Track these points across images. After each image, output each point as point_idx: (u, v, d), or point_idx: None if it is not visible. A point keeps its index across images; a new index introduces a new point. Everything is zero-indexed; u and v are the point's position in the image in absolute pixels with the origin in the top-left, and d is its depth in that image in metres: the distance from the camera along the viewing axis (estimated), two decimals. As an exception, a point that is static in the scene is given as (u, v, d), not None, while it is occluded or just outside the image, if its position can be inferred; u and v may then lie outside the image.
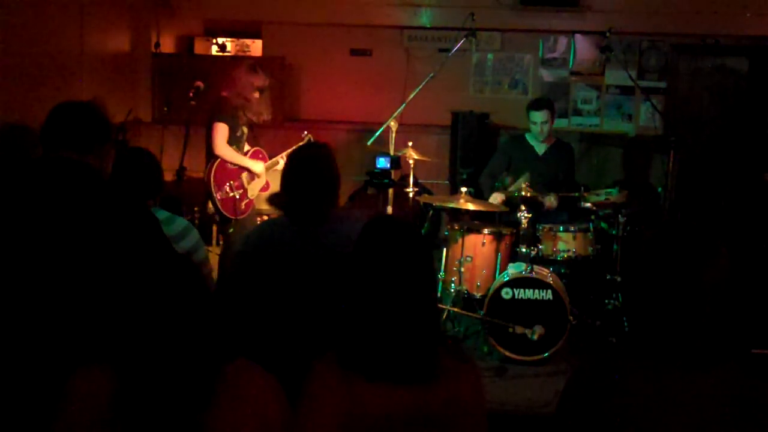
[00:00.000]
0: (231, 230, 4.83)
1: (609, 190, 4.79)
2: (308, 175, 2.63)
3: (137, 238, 2.28)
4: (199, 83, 4.91)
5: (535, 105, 5.18)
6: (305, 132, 5.27)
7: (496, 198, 5.04)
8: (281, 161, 5.05)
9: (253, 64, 4.89)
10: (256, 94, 4.78)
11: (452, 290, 4.56)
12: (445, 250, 4.70)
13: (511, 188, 4.88)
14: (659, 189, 5.55)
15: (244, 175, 4.85)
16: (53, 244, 2.15)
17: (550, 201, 5.00)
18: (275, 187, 5.79)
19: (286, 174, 2.71)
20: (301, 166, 2.68)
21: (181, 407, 1.49)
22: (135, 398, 1.49)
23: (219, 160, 4.70)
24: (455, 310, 4.48)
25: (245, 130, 4.88)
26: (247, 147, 4.97)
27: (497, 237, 4.60)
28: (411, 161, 4.80)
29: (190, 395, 1.50)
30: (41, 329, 2.08)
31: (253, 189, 4.93)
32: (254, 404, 1.57)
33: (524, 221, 4.52)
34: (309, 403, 1.67)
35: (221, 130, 4.66)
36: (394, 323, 1.70)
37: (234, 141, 4.77)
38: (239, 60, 6.51)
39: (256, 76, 4.76)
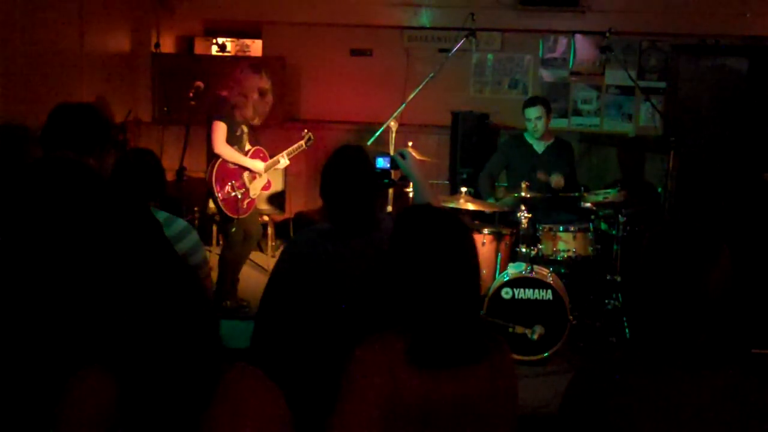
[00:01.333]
0: (233, 230, 4.83)
1: (608, 190, 4.80)
2: (352, 181, 2.49)
3: (137, 239, 2.28)
4: (199, 83, 4.91)
5: (529, 102, 5.28)
6: (305, 130, 5.26)
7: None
8: (282, 160, 5.05)
9: (257, 65, 4.90)
10: (256, 95, 4.80)
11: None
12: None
13: (505, 200, 4.95)
14: (659, 189, 5.54)
15: (246, 174, 4.85)
16: (53, 245, 2.15)
17: (557, 180, 5.02)
18: (277, 186, 5.80)
19: (328, 180, 2.53)
20: (343, 171, 2.52)
21: (179, 410, 1.48)
22: (134, 401, 1.48)
23: (220, 159, 4.70)
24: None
25: (245, 129, 4.88)
26: (248, 146, 4.97)
27: (497, 237, 4.60)
28: (411, 161, 4.79)
29: (189, 398, 1.50)
30: (40, 330, 2.08)
31: (255, 188, 4.93)
32: (253, 408, 1.56)
33: (524, 221, 4.52)
34: (351, 389, 1.67)
35: (220, 129, 4.67)
36: (442, 307, 1.73)
37: (234, 140, 4.77)
38: (239, 60, 6.52)
39: (260, 78, 4.79)
